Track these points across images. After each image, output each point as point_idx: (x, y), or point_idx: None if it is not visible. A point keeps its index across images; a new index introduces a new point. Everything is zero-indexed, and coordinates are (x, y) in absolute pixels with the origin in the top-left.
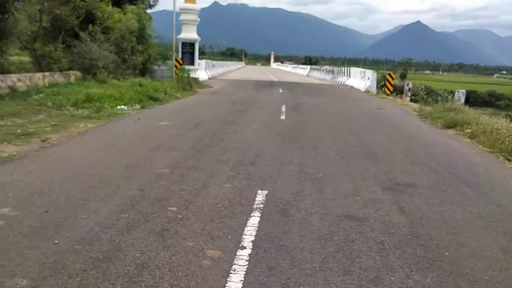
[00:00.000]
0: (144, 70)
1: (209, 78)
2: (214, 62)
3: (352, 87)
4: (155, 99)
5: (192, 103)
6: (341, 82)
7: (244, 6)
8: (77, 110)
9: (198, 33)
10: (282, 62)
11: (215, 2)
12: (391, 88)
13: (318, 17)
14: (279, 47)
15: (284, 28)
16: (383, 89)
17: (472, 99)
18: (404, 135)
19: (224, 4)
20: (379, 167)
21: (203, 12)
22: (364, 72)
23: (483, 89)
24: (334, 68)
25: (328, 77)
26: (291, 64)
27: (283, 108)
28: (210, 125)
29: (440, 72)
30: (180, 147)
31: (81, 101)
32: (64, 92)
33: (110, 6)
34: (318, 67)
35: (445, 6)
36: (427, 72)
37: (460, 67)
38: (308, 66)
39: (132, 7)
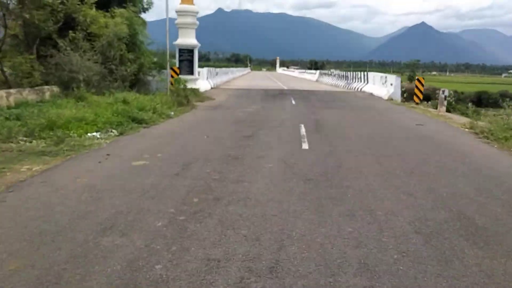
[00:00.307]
0: (136, 82)
1: (211, 88)
2: (218, 69)
3: (371, 94)
4: (140, 121)
5: (186, 124)
6: (358, 88)
7: (248, 12)
8: (30, 141)
9: (203, 40)
10: (287, 67)
11: (219, 8)
12: (421, 96)
13: (322, 21)
14: (283, 51)
15: (289, 32)
16: (404, 95)
17: (484, 100)
18: (487, 177)
19: (228, 10)
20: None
21: (207, 19)
22: (386, 77)
23: (493, 89)
24: (348, 73)
25: (341, 83)
26: (297, 68)
27: (303, 130)
28: (205, 164)
29: (448, 73)
30: (147, 223)
31: (40, 128)
32: (27, 115)
33: (94, 9)
34: (329, 72)
35: (449, 6)
36: (434, 73)
37: (467, 67)
38: (317, 71)
39: (122, 10)
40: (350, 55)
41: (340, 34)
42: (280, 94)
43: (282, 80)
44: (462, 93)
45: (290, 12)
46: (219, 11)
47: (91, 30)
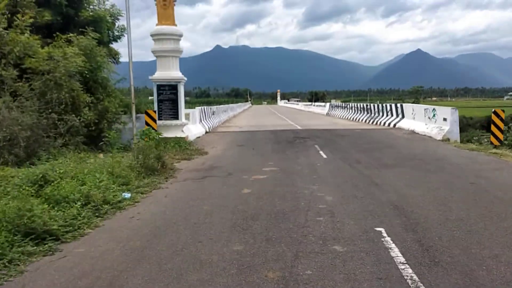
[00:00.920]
0: (97, 135)
1: (206, 133)
2: (215, 107)
3: (413, 132)
4: (43, 238)
5: (137, 235)
6: (389, 123)
7: (245, 47)
8: None
9: (203, 77)
10: (288, 100)
11: (217, 45)
12: (501, 136)
13: (318, 53)
14: (282, 84)
15: (286, 65)
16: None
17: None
18: None
19: (226, 47)
20: None
21: (206, 56)
22: (434, 110)
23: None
24: (370, 105)
25: (363, 116)
26: (297, 101)
27: (407, 270)
28: None
29: (449, 98)
30: None
31: None
32: None
33: (29, 36)
34: (341, 104)
35: (444, 32)
36: (434, 98)
37: (466, 92)
38: (327, 104)
39: (80, 38)
40: (348, 85)
41: (337, 64)
42: (296, 138)
43: (289, 115)
44: (471, 118)
45: (286, 46)
46: (217, 48)
47: (27, 65)
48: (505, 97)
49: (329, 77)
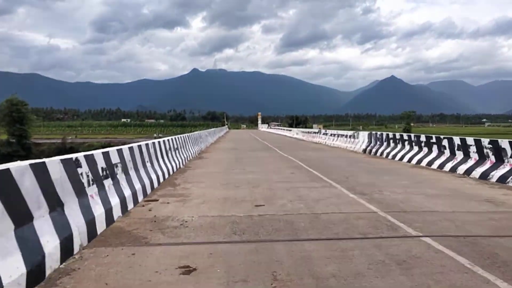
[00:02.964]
0: None
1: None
2: (169, 142)
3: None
4: None
5: None
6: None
7: (222, 71)
8: None
9: (179, 99)
10: (268, 124)
11: (194, 69)
12: None
13: (295, 78)
14: (259, 108)
15: (263, 90)
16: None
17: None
18: None
19: (203, 70)
20: None
21: (182, 79)
22: None
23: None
24: (435, 137)
25: (396, 151)
26: (277, 125)
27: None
28: None
29: (431, 124)
30: None
31: None
32: None
33: None
34: (345, 133)
35: (419, 60)
36: (412, 124)
37: (442, 118)
38: (324, 131)
39: None
40: (324, 110)
41: (314, 89)
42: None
43: (277, 143)
44: None
45: (264, 70)
46: (194, 71)
47: None
48: (486, 124)
49: (306, 101)
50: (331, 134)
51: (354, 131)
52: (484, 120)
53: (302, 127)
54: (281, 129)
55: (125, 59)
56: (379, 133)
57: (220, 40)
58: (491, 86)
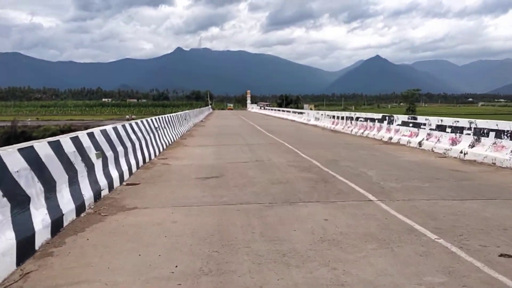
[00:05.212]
0: None
1: None
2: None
3: None
4: None
5: None
6: None
7: (207, 50)
8: None
9: (163, 79)
10: (258, 105)
11: (178, 47)
12: None
13: (281, 58)
14: (245, 88)
15: (249, 69)
16: None
17: None
18: None
19: (187, 49)
20: None
21: (166, 59)
22: None
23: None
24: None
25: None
26: (267, 105)
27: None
28: None
29: (423, 104)
30: None
31: None
32: None
33: None
34: (379, 117)
35: (405, 39)
36: (402, 104)
37: (429, 97)
38: (348, 114)
39: None
40: (309, 90)
41: (299, 69)
42: None
43: (286, 134)
44: None
45: (249, 50)
46: (178, 50)
47: None
48: (480, 104)
49: (291, 81)
50: (326, 116)
51: (339, 113)
52: (470, 99)
53: (293, 107)
54: (279, 110)
55: (109, 37)
56: (357, 114)
57: (206, 19)
58: (475, 66)
